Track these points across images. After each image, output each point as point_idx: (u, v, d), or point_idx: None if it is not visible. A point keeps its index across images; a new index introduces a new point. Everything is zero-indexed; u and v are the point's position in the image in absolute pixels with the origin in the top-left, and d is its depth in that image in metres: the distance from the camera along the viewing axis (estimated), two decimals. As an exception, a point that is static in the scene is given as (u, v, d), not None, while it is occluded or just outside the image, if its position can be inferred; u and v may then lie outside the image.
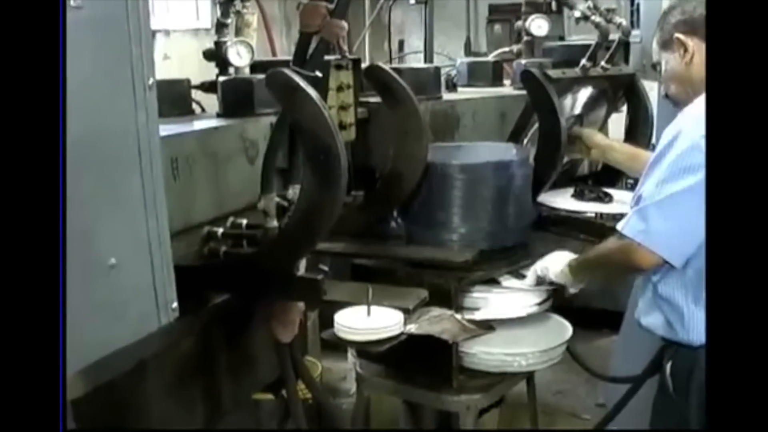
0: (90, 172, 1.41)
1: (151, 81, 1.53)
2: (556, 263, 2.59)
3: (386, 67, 2.85)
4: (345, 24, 2.29)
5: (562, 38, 4.54)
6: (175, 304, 1.65)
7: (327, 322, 2.53)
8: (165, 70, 5.69)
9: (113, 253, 1.46)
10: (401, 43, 8.41)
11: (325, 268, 2.92)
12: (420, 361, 2.70)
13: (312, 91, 2.06)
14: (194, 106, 3.15)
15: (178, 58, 6.33)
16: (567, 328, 2.98)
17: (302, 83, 2.06)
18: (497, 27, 8.52)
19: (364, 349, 2.24)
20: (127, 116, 1.49)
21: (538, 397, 3.44)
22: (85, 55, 1.39)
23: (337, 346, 2.39)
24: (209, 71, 3.17)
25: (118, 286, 1.49)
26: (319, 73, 2.24)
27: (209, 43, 3.15)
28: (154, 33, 6.34)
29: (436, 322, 2.24)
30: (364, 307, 2.19)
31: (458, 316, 2.33)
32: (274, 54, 5.10)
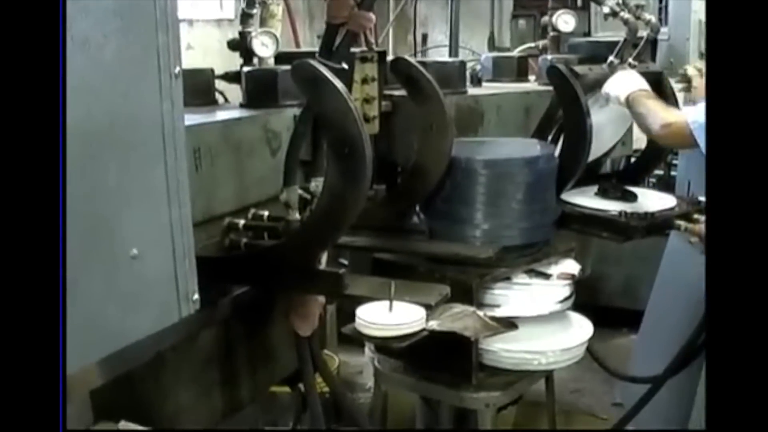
0: (114, 161, 1.40)
1: (177, 69, 1.51)
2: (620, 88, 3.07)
3: (413, 60, 2.82)
4: (372, 16, 2.27)
5: (587, 34, 4.51)
6: (196, 296, 1.63)
7: (345, 315, 2.51)
8: (188, 60, 5.69)
9: (136, 244, 1.45)
10: (425, 37, 8.38)
11: (345, 262, 2.91)
12: (439, 358, 2.68)
13: (338, 83, 2.04)
14: (217, 96, 3.13)
15: (202, 49, 6.33)
16: (588, 327, 2.95)
17: (329, 75, 2.04)
18: (521, 22, 8.48)
19: (385, 345, 2.21)
20: (153, 105, 1.47)
21: (556, 396, 3.41)
22: (111, 42, 1.37)
23: (354, 340, 2.37)
24: (232, 62, 3.15)
25: (139, 277, 1.47)
26: (345, 65, 2.22)
27: (232, 34, 3.13)
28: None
29: (458, 318, 2.21)
30: (385, 303, 2.17)
31: (480, 313, 2.30)
32: (297, 45, 5.10)
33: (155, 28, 1.46)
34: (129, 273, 1.44)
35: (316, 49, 2.29)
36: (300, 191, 2.32)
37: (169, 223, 1.53)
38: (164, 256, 1.53)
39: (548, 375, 3.13)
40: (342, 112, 2.02)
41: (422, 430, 3.37)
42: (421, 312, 2.15)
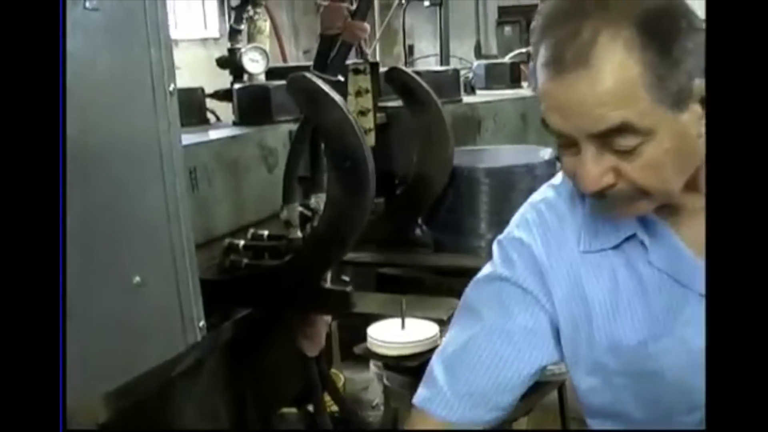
0: (110, 183, 1.33)
1: (171, 87, 1.44)
2: None
3: (408, 69, 2.77)
4: (367, 26, 2.21)
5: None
6: (202, 323, 1.56)
7: (349, 332, 2.43)
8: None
9: (138, 270, 1.38)
10: (411, 48, 8.35)
11: (347, 279, 2.85)
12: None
13: (336, 96, 1.98)
14: (209, 115, 3.08)
15: (188, 68, 6.25)
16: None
17: (325, 87, 1.98)
18: (507, 29, 8.48)
19: (398, 365, 2.14)
20: (148, 123, 1.41)
21: (568, 403, 3.34)
22: (102, 59, 1.31)
23: (358, 356, 2.30)
24: (220, 80, 3.10)
25: (144, 306, 1.41)
26: (341, 77, 2.17)
27: (218, 52, 3.08)
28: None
29: (471, 332, 2.15)
30: (396, 320, 2.10)
31: (493, 326, 2.24)
32: (285, 61, 5.04)
33: (147, 44, 1.40)
34: (133, 302, 1.38)
35: (303, 65, 2.24)
36: (300, 208, 2.27)
37: (170, 247, 1.47)
38: (167, 282, 1.47)
39: (560, 385, 3.06)
40: (341, 125, 1.97)
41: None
42: (434, 328, 2.08)
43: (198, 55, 6.62)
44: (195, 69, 6.36)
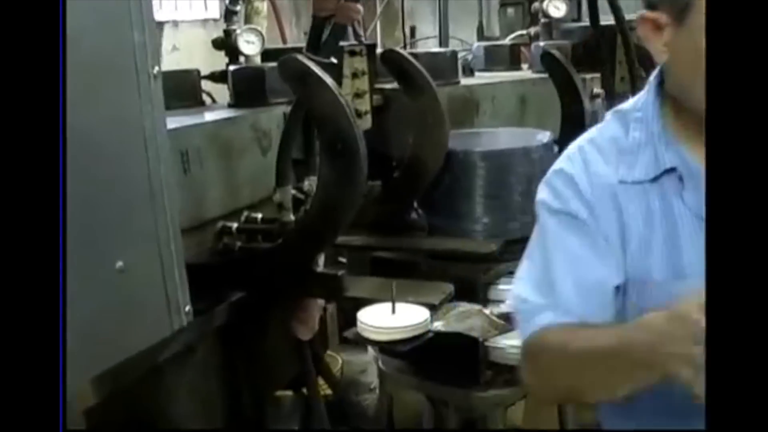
0: (91, 167, 1.31)
1: (156, 70, 1.42)
2: None
3: (403, 51, 2.74)
4: (360, 7, 2.19)
5: (575, 20, 4.42)
6: (188, 308, 1.55)
7: (347, 315, 2.42)
8: (175, 62, 5.60)
9: (121, 256, 1.36)
10: (413, 30, 8.28)
11: (343, 260, 2.83)
12: (445, 357, 2.60)
13: (327, 78, 1.96)
14: (205, 97, 3.06)
15: (187, 49, 6.23)
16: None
17: (317, 70, 1.96)
18: (510, 11, 8.36)
19: (389, 349, 2.13)
20: (131, 106, 1.39)
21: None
22: (83, 42, 1.28)
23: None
24: (219, 62, 3.07)
25: (128, 291, 1.39)
26: (334, 59, 2.15)
27: (218, 34, 3.05)
28: (162, 24, 6.26)
29: (464, 318, 2.13)
30: (387, 304, 2.09)
31: (487, 311, 2.22)
32: (284, 42, 5.00)
33: (130, 27, 1.37)
34: (116, 287, 1.36)
35: (300, 46, 2.22)
36: (293, 191, 2.25)
37: (155, 232, 1.45)
38: (152, 267, 1.45)
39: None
40: (332, 108, 1.95)
41: (426, 430, 3.29)
42: (425, 313, 2.06)
43: (198, 37, 6.55)
44: (194, 50, 6.34)
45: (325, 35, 2.18)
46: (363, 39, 2.66)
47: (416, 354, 2.43)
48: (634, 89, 3.54)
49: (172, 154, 2.08)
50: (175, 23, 6.53)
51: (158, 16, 6.05)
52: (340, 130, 1.94)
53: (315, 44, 2.15)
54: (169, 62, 5.98)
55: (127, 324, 1.41)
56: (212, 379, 2.36)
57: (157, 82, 1.44)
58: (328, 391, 2.83)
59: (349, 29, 2.58)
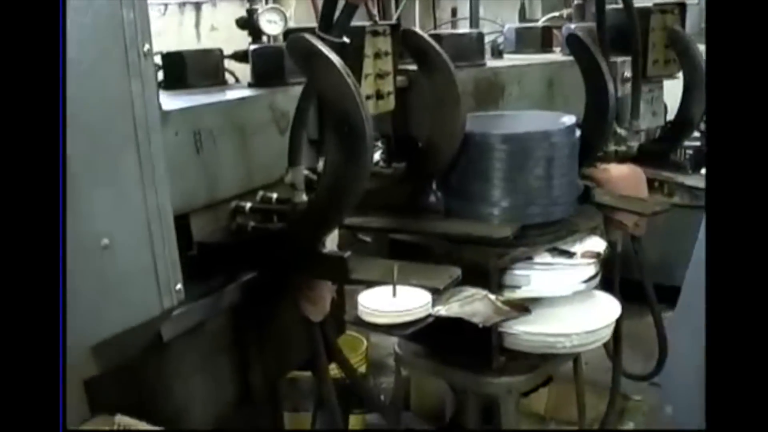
0: (78, 146, 1.31)
1: (146, 47, 1.42)
2: None
3: (421, 32, 2.70)
4: (372, -14, 2.16)
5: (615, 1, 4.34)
6: (179, 286, 1.55)
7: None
8: (212, 41, 5.61)
9: (106, 233, 1.36)
10: (454, 11, 8.22)
11: (367, 239, 2.81)
12: (459, 342, 2.58)
13: (335, 58, 1.94)
14: (229, 76, 3.06)
15: (226, 29, 6.23)
16: (615, 307, 2.82)
17: (324, 49, 1.94)
18: (553, -8, 8.27)
19: (389, 333, 2.11)
20: (120, 84, 1.38)
21: (588, 374, 3.29)
22: (70, 21, 1.28)
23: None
24: (258, 41, 3.07)
25: (112, 268, 1.39)
26: (346, 39, 2.12)
27: (259, 11, 3.04)
28: (199, 4, 6.27)
29: (468, 303, 2.10)
30: (389, 287, 2.06)
31: (492, 297, 2.19)
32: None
33: (119, 4, 1.37)
34: (99, 264, 1.36)
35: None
36: (307, 172, 2.23)
37: (144, 211, 1.45)
38: (139, 245, 1.45)
39: (575, 357, 3.01)
40: (339, 89, 1.93)
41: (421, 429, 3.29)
42: (426, 297, 2.04)
43: (237, 15, 6.57)
44: (233, 29, 6.34)
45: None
46: (376, 19, 2.63)
47: (431, 337, 2.41)
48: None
49: (184, 133, 2.09)
50: (214, 3, 6.54)
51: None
52: (347, 111, 1.92)
53: (326, 23, 2.12)
54: (207, 42, 6.00)
55: (113, 300, 1.42)
56: (222, 358, 2.36)
57: (148, 60, 1.43)
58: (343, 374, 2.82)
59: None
